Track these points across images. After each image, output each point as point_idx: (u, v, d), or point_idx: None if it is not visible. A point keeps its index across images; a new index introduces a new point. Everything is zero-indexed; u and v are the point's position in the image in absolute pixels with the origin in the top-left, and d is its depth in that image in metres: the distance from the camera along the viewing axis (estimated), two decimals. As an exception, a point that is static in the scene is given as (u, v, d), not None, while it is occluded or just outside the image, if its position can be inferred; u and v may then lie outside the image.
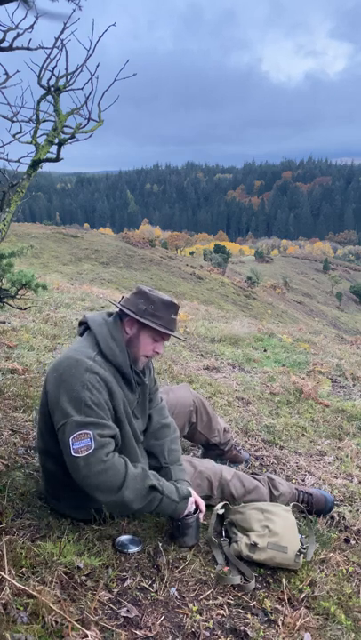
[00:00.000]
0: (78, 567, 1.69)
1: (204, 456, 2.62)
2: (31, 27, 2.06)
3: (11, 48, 2.09)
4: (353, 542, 2.16)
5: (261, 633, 1.56)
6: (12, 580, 1.49)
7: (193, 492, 1.95)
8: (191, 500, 1.92)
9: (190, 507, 1.92)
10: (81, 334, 2.03)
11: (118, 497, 1.72)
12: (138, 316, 1.90)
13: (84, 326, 2.01)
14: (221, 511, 2.06)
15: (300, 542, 1.89)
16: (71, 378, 1.78)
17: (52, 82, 2.31)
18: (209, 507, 2.10)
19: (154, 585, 1.71)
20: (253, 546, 1.86)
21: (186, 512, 1.90)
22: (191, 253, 61.49)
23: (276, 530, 1.90)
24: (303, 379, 4.52)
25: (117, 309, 2.00)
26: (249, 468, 2.73)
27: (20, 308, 2.99)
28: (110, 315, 2.03)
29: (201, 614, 1.61)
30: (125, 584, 1.69)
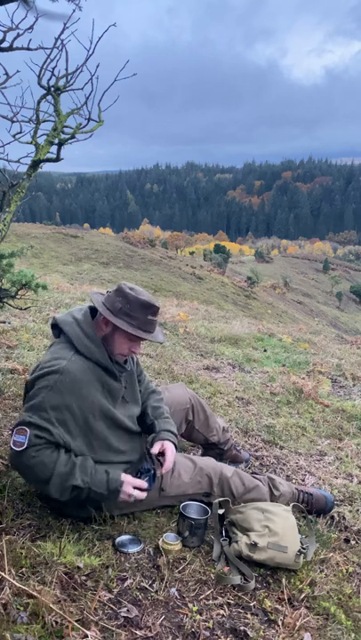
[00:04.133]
0: (78, 567, 1.69)
1: (203, 455, 2.62)
2: (31, 27, 2.06)
3: (11, 48, 2.10)
4: (353, 542, 2.16)
5: (261, 633, 1.56)
6: (11, 580, 1.49)
7: (126, 477, 1.88)
8: (124, 489, 1.85)
9: (128, 492, 1.85)
10: (58, 336, 2.03)
11: (46, 490, 1.80)
12: (112, 314, 1.89)
13: (58, 329, 2.00)
14: (221, 511, 2.06)
15: (301, 542, 1.89)
16: (41, 378, 1.83)
17: (52, 82, 2.31)
18: (209, 504, 2.10)
19: (154, 585, 1.71)
20: (253, 545, 1.86)
21: (122, 497, 1.86)
22: (191, 253, 61.44)
23: (276, 530, 1.90)
24: (303, 379, 4.52)
25: (90, 303, 2.01)
26: (249, 467, 2.73)
27: (20, 308, 3.00)
28: (81, 310, 2.02)
29: (201, 614, 1.61)
30: (125, 584, 1.69)
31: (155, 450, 2.03)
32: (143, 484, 1.90)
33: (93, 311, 2.04)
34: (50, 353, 1.94)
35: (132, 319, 1.89)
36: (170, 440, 2.09)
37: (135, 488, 1.88)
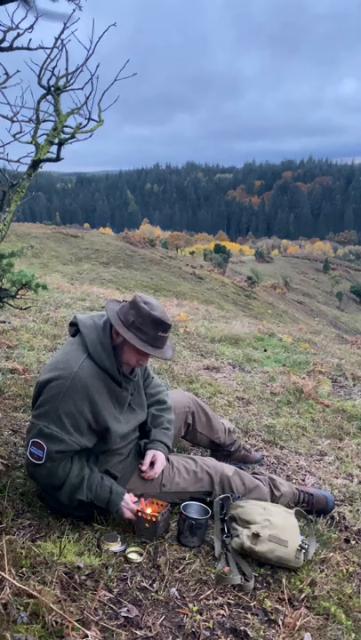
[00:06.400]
0: (78, 567, 1.70)
1: (211, 457, 2.63)
2: (31, 27, 2.06)
3: (11, 48, 2.10)
4: (353, 542, 2.16)
5: (262, 633, 1.56)
6: (12, 579, 1.49)
7: (128, 501, 1.95)
8: (125, 509, 1.94)
9: (127, 507, 1.94)
10: (73, 335, 2.06)
11: (56, 495, 1.93)
12: (123, 326, 1.91)
13: (76, 328, 2.04)
14: (222, 513, 2.06)
15: (301, 542, 1.90)
16: (53, 382, 1.86)
17: (52, 82, 2.31)
18: (209, 505, 2.10)
19: (154, 585, 1.71)
20: (255, 536, 1.87)
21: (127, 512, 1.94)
22: (191, 253, 61.39)
23: (276, 523, 1.93)
24: (303, 379, 4.51)
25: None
26: (249, 468, 2.73)
27: (21, 308, 2.99)
28: (102, 317, 2.05)
29: (201, 614, 1.61)
30: (125, 584, 1.69)
31: (146, 461, 2.08)
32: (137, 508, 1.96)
33: None
34: (63, 353, 1.98)
35: (142, 334, 1.90)
36: (161, 451, 2.13)
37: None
